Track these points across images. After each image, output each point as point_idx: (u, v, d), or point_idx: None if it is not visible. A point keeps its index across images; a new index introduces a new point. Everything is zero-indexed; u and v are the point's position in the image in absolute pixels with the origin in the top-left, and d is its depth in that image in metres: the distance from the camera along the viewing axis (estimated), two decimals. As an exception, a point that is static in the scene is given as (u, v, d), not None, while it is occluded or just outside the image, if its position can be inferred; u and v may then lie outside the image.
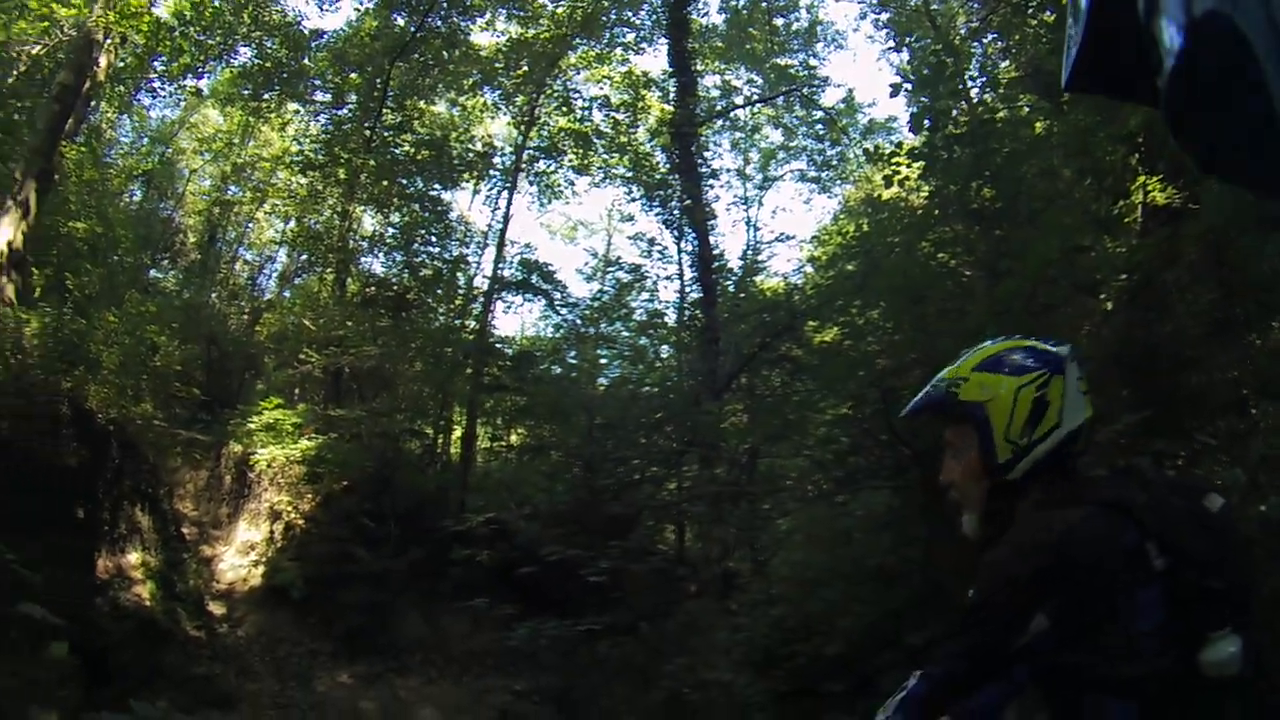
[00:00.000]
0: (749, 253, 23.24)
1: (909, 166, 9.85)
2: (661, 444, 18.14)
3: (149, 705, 10.23)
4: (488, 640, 15.69)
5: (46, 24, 12.97)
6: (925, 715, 1.90)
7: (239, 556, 16.09)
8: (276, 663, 14.06)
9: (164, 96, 21.97)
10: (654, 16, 22.74)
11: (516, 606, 14.94)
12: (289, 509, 16.66)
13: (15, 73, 14.22)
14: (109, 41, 14.09)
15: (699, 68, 23.58)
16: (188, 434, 17.25)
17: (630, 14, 22.71)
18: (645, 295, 23.15)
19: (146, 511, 13.96)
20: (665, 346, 22.94)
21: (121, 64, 16.50)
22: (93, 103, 17.18)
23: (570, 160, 24.24)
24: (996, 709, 1.93)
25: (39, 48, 14.22)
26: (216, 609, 14.76)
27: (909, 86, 10.70)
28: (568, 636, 13.51)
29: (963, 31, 18.29)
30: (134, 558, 13.17)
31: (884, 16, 22.41)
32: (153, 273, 24.07)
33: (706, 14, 26.20)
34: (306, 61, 21.78)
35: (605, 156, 24.44)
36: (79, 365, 12.92)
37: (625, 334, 23.07)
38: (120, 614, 12.10)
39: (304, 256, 24.84)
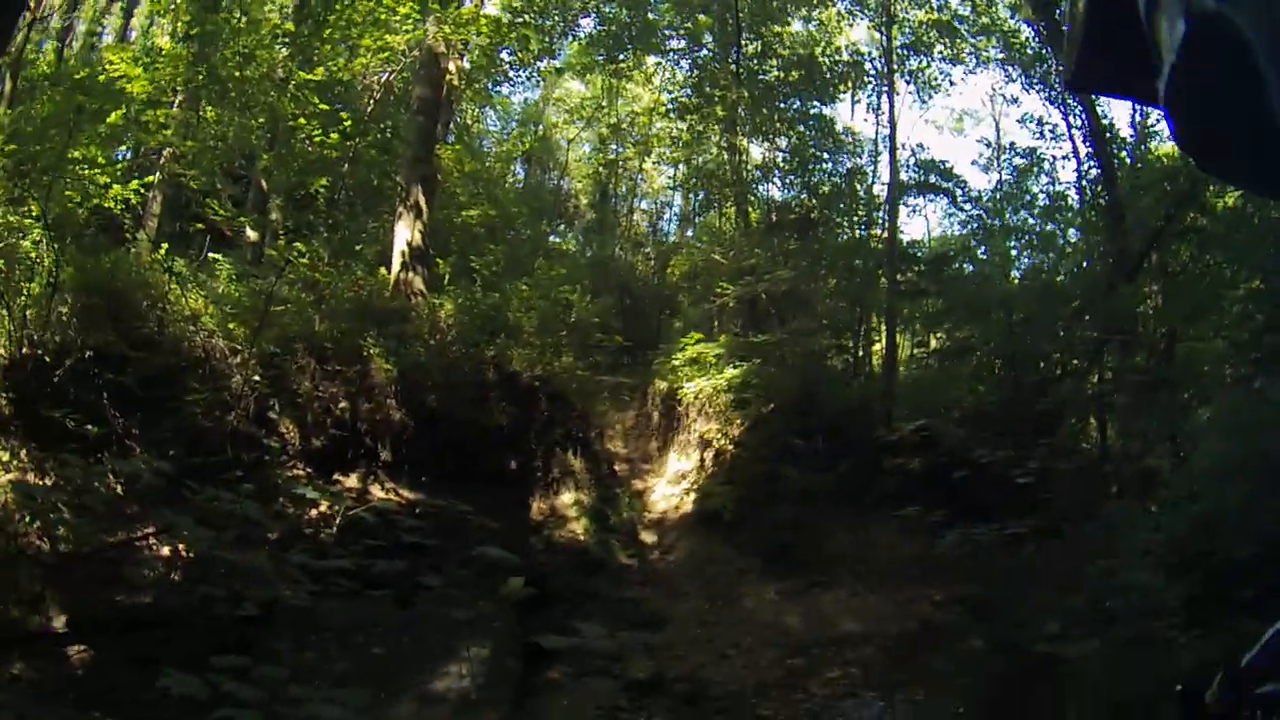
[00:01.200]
0: (1138, 117, 21.01)
1: None
2: (1080, 335, 17.15)
3: (588, 626, 11.45)
4: (915, 549, 15.65)
5: (387, 53, 14.29)
6: None
7: (671, 486, 17.23)
8: (705, 583, 14.92)
9: (522, 82, 23.29)
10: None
11: (945, 513, 14.85)
12: (718, 436, 17.55)
13: (371, 100, 15.89)
14: (452, 50, 15.40)
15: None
16: (612, 379, 18.62)
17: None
18: (1045, 179, 21.75)
19: (578, 455, 15.21)
20: (1073, 230, 21.41)
21: (470, 65, 17.79)
22: (454, 105, 18.81)
23: (940, 51, 23.12)
24: None
25: (388, 75, 15.76)
26: (648, 537, 15.97)
27: None
28: (994, 541, 13.32)
29: None
30: (567, 498, 14.53)
31: None
32: (553, 238, 25.97)
33: None
34: (651, 15, 22.48)
35: (973, 41, 23.03)
36: (499, 334, 14.46)
37: (1031, 221, 21.88)
38: (556, 549, 13.42)
39: (701, 196, 25.62)
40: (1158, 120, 24.80)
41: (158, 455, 8.51)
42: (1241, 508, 8.78)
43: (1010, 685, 10.51)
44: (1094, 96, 17.84)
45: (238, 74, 12.02)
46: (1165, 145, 19.68)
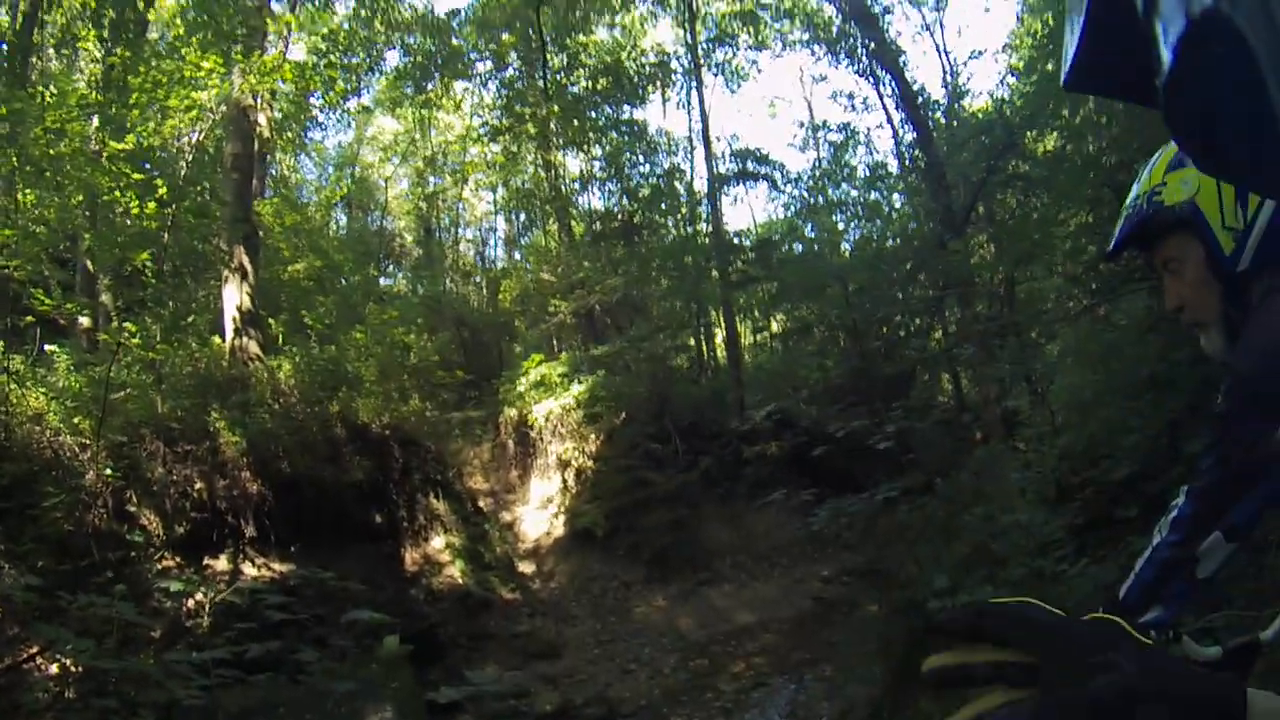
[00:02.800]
0: (948, 79, 21.90)
1: None
2: (918, 294, 17.59)
3: (480, 672, 11.09)
4: (791, 532, 15.83)
5: (194, 111, 13.72)
6: (1195, 531, 1.91)
7: (538, 512, 17.00)
8: (592, 602, 14.78)
9: (333, 125, 22.87)
10: None
11: (813, 491, 14.97)
12: (576, 455, 17.39)
13: (185, 162, 15.15)
14: (260, 102, 14.84)
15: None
16: (461, 414, 18.25)
17: None
18: (862, 150, 22.49)
19: (440, 498, 14.82)
20: (896, 196, 22.09)
21: (280, 115, 17.26)
22: (268, 158, 18.23)
23: (745, 40, 23.54)
24: (1256, 516, 1.89)
25: (198, 135, 15.12)
26: (526, 568, 15.68)
27: None
28: (867, 510, 13.46)
29: None
30: (439, 542, 14.11)
31: None
32: (383, 281, 25.50)
33: None
34: (455, 41, 22.04)
35: (776, 26, 23.49)
36: (340, 387, 13.90)
37: (854, 194, 22.45)
38: (436, 597, 12.99)
39: (522, 216, 25.49)
40: (968, 79, 26.17)
41: (26, 569, 7.89)
42: (1109, 432, 8.85)
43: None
44: (899, 68, 18.58)
45: (50, 151, 11.24)
46: (978, 102, 20.56)
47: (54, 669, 7.23)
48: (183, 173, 14.21)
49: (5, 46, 13.09)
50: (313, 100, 17.48)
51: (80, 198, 12.04)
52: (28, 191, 12.01)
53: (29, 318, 11.62)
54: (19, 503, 8.55)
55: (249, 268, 13.82)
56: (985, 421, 14.81)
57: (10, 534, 8.24)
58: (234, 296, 13.56)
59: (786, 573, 15.48)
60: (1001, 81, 21.38)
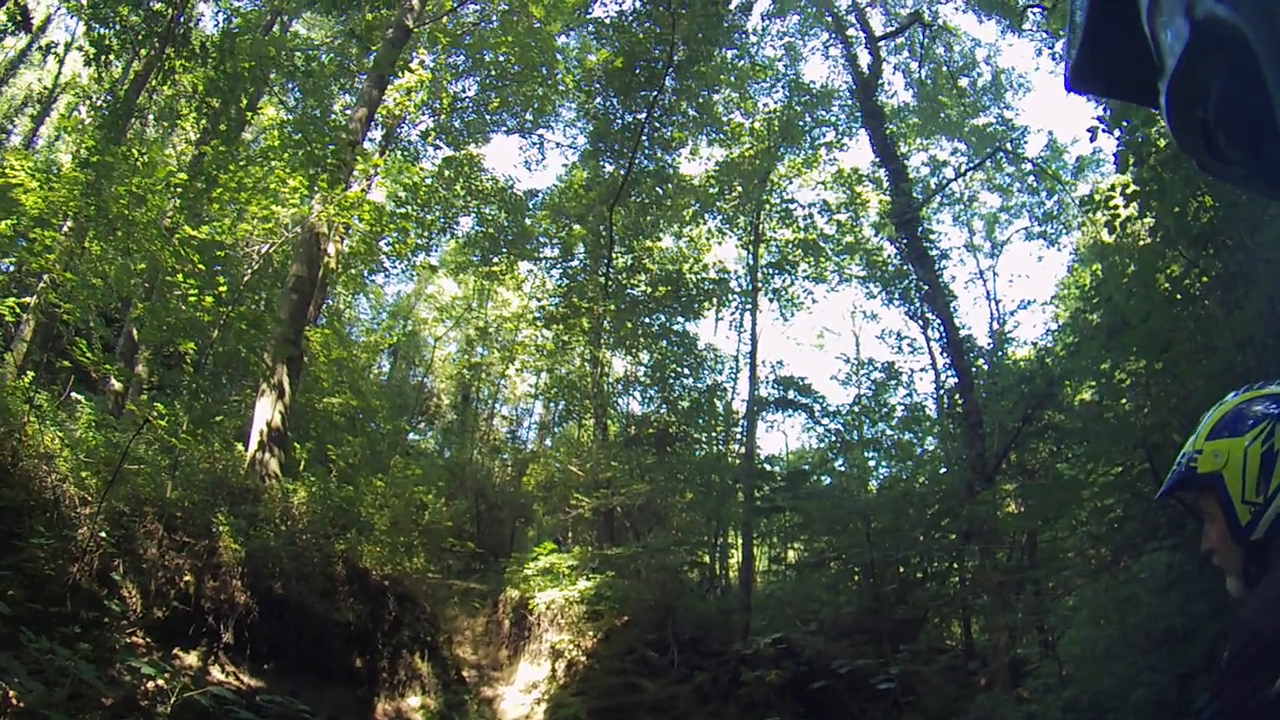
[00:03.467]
0: (995, 326, 22.37)
1: (1126, 205, 9.76)
2: (940, 539, 17.41)
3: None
4: (780, 761, 15.22)
5: (271, 224, 14.28)
6: None
7: (522, 695, 16.47)
8: (564, 798, 14.11)
9: (396, 274, 23.59)
10: (847, 110, 22.85)
11: (808, 723, 14.57)
12: (570, 647, 16.99)
13: (250, 270, 15.64)
14: (333, 232, 15.44)
15: (903, 149, 23.43)
16: (463, 584, 18.03)
17: (824, 112, 22.91)
18: (903, 391, 22.69)
19: (425, 658, 14.57)
20: (930, 439, 22.15)
21: (348, 249, 17.84)
22: (329, 287, 18.81)
23: (804, 270, 24.27)
24: None
25: (269, 247, 15.68)
26: (499, 748, 15.07)
27: (1104, 125, 10.41)
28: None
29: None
30: (414, 701, 13.75)
31: (1058, 46, 21.57)
32: (412, 436, 25.70)
33: (894, 94, 26.13)
34: (528, 221, 22.97)
35: (837, 260, 24.37)
36: (350, 528, 13.88)
37: (889, 433, 22.58)
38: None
39: (561, 406, 25.74)
40: (1014, 327, 26.69)
41: (-3, 591, 7.79)
42: (1118, 685, 8.88)
43: None
44: (949, 313, 18.98)
45: (127, 213, 11.73)
46: (1021, 350, 20.87)
47: (-3, 693, 7.02)
48: (245, 278, 14.64)
49: (111, 97, 13.75)
50: (382, 244, 18.04)
51: (144, 266, 12.45)
52: (96, 243, 12.42)
53: (65, 362, 11.85)
54: (7, 528, 8.52)
55: (287, 388, 14.04)
56: (992, 669, 14.41)
57: (-10, 553, 8.19)
58: (266, 412, 13.72)
59: (768, 802, 14.80)
60: (1047, 332, 21.70)
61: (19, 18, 11.04)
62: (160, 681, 9.10)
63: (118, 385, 13.49)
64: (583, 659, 16.77)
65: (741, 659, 16.90)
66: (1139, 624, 9.62)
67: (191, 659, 10.41)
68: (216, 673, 10.53)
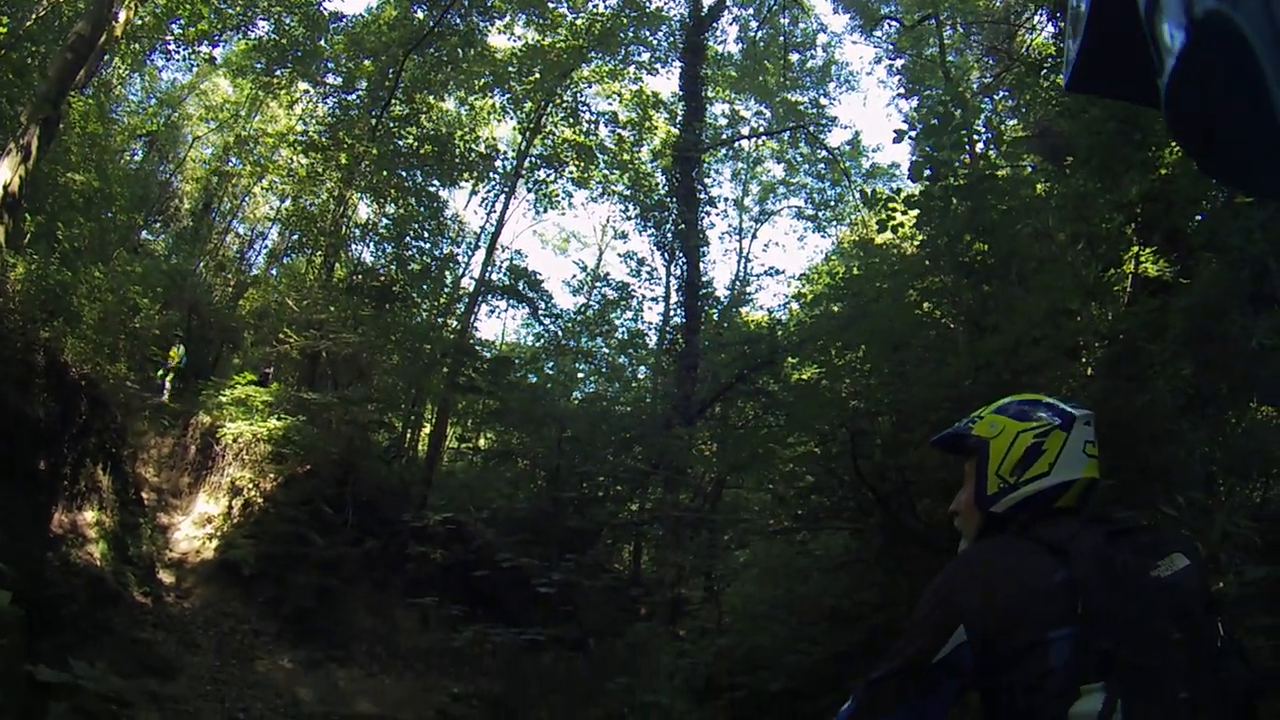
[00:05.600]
0: (737, 283, 23.35)
1: (905, 213, 9.77)
2: (629, 464, 18.11)
3: (86, 665, 10.16)
4: (434, 639, 15.59)
5: None
6: None
7: (195, 528, 15.95)
8: (220, 638, 13.87)
9: (177, 60, 21.73)
10: (670, 39, 22.90)
11: (465, 608, 14.94)
12: (250, 486, 16.56)
13: (34, 16, 14.03)
14: None
15: (709, 94, 23.88)
16: (157, 399, 17.13)
17: (648, 33, 22.77)
18: (629, 314, 23.25)
19: (108, 471, 13.76)
20: (643, 367, 22.99)
21: (139, 22, 16.34)
22: (106, 57, 17.03)
23: (571, 171, 24.23)
24: None
25: None
26: (166, 577, 14.61)
27: (913, 134, 10.58)
28: (512, 644, 13.46)
29: (975, 86, 18.54)
30: (90, 515, 13.00)
31: (899, 63, 22.77)
32: (144, 234, 23.94)
33: (724, 41, 26.59)
34: (322, 43, 21.55)
35: (606, 172, 24.47)
36: (59, 317, 12.81)
37: (605, 351, 23.20)
38: (70, 570, 11.91)
39: (295, 236, 24.61)
40: (756, 290, 27.80)
41: None
42: (777, 646, 9.19)
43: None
44: (697, 256, 19.60)
45: None
46: (756, 313, 21.81)
47: None
48: (28, 23, 13.04)
49: None
50: (172, 26, 16.51)
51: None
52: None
53: None
54: None
55: (35, 152, 12.62)
56: (655, 601, 15.16)
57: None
58: (5, 173, 12.32)
59: (419, 677, 15.19)
60: (784, 305, 22.74)
61: None
62: None
63: None
64: (260, 500, 16.39)
65: (413, 532, 17.06)
66: (806, 595, 9.95)
67: None
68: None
